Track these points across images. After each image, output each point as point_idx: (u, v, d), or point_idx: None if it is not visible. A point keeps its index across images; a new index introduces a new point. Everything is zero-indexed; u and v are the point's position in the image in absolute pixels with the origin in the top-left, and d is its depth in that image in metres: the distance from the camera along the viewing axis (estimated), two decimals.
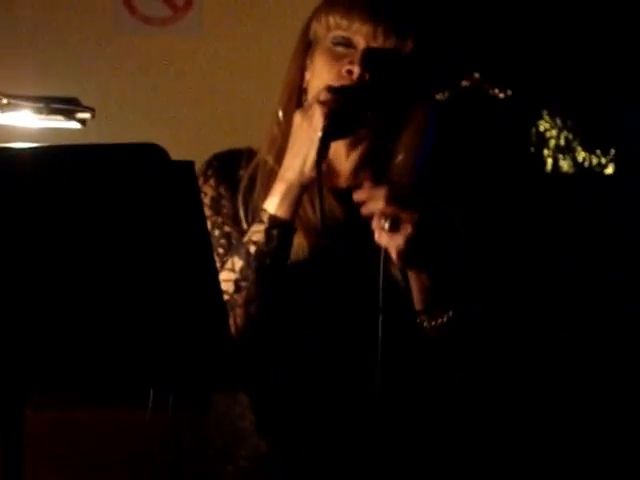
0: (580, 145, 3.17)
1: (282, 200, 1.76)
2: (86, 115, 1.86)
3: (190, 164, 1.39)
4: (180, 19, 2.95)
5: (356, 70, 1.75)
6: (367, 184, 1.73)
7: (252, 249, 1.77)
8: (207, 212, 1.87)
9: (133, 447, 2.33)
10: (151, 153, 1.37)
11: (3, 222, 1.38)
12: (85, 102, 1.92)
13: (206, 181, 1.90)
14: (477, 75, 3.14)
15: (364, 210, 1.71)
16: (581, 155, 3.17)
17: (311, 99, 1.78)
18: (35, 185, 1.38)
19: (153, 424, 1.65)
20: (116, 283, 1.42)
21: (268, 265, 1.76)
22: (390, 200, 1.68)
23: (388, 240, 1.69)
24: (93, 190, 1.38)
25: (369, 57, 1.76)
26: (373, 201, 1.70)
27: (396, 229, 1.68)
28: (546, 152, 3.17)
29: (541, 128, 3.18)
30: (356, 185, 1.80)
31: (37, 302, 1.41)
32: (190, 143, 2.76)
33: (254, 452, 1.83)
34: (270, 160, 1.86)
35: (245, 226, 1.84)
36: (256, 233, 1.77)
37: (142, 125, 2.86)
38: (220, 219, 1.87)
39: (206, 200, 1.88)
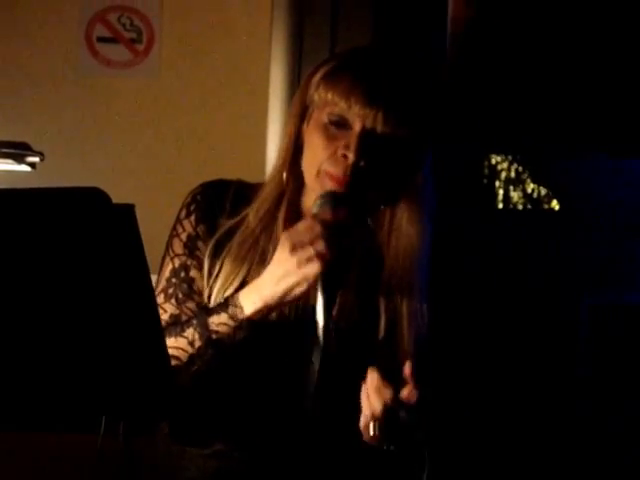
0: (529, 177, 3.25)
1: (257, 311, 1.75)
2: (35, 159, 1.93)
3: (131, 207, 1.41)
4: (140, 62, 3.01)
5: (351, 157, 1.73)
6: (375, 378, 1.70)
7: (214, 336, 1.76)
8: (179, 249, 1.86)
9: (83, 471, 2.34)
10: (93, 197, 1.40)
11: None
12: (36, 146, 1.98)
13: (187, 216, 1.87)
14: None
15: (365, 405, 1.70)
16: (530, 186, 3.26)
17: (301, 228, 1.73)
18: None
19: (104, 448, 1.66)
20: (64, 321, 1.44)
21: (224, 354, 1.77)
22: (387, 410, 1.68)
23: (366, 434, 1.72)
24: (37, 233, 1.41)
25: (365, 144, 1.72)
26: (376, 401, 1.69)
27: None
28: (497, 183, 3.26)
29: (493, 161, 3.27)
30: None
31: None
32: (144, 187, 2.88)
33: (200, 473, 1.85)
34: (253, 224, 1.84)
35: (206, 277, 1.83)
36: (223, 325, 1.77)
37: (91, 169, 2.88)
38: (190, 261, 1.85)
39: (183, 236, 1.86)
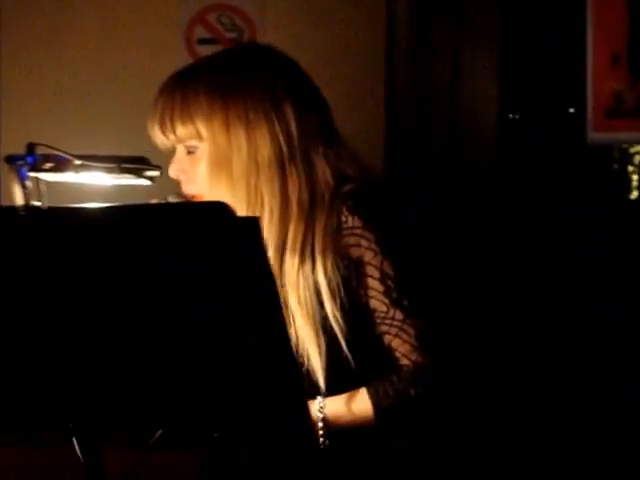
0: None
1: None
2: (154, 173, 1.90)
3: (255, 220, 1.42)
4: None
5: (170, 173, 1.96)
6: None
7: None
8: None
9: None
10: (217, 211, 1.42)
11: (80, 280, 1.44)
12: (154, 159, 1.94)
13: None
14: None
15: None
16: None
17: None
18: (106, 243, 1.44)
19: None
20: (189, 337, 1.46)
21: None
22: None
23: None
24: (162, 248, 1.43)
25: (173, 159, 1.97)
26: None
27: None
28: (631, 168, 3.07)
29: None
30: None
31: (119, 356, 1.48)
32: None
33: None
34: None
35: None
36: None
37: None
38: None
39: None
